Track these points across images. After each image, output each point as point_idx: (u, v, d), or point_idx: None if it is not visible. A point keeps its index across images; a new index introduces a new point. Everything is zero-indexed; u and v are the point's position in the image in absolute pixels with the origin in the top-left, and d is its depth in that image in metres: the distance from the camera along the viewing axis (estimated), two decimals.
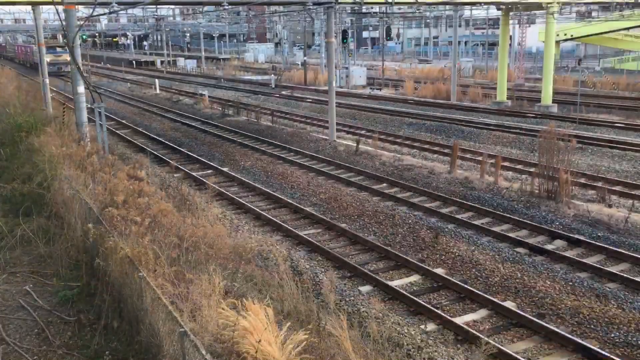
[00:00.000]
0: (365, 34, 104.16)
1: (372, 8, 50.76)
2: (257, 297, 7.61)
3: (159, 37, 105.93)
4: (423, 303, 10.12)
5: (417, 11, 42.53)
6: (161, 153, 23.24)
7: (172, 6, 76.47)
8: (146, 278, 7.33)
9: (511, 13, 34.65)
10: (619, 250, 12.26)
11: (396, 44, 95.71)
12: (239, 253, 9.62)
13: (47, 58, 40.92)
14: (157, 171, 19.31)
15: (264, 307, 6.27)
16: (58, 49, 63.45)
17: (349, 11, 58.39)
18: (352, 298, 10.22)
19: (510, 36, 44.24)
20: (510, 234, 13.39)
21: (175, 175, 18.92)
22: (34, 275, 10.71)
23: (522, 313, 9.70)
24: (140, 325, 7.68)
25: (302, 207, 15.63)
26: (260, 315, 6.12)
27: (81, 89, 18.91)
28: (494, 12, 50.41)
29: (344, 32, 37.41)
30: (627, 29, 49.43)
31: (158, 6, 52.80)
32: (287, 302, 8.64)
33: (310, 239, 13.24)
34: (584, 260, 11.85)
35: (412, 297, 10.33)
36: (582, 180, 17.23)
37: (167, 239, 8.52)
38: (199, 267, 8.20)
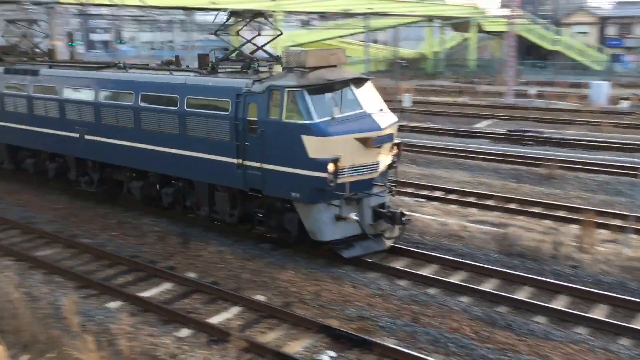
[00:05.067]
0: (95, 37, 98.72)
1: (101, 10, 48.28)
2: None
3: None
4: (176, 310, 10.06)
5: (149, 14, 41.67)
6: None
7: None
8: None
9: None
10: None
11: (131, 47, 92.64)
12: None
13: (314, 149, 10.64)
14: None
15: None
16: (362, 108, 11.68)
17: (76, 12, 54.60)
18: (101, 317, 9.68)
19: None
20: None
21: None
22: None
23: (271, 305, 10.25)
24: None
25: (34, 227, 14.26)
26: None
27: None
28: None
29: (70, 34, 34.93)
30: (342, 36, 55.45)
31: None
32: (24, 332, 7.85)
33: (46, 260, 12.17)
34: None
35: (164, 306, 10.19)
36: None
37: None
38: None
